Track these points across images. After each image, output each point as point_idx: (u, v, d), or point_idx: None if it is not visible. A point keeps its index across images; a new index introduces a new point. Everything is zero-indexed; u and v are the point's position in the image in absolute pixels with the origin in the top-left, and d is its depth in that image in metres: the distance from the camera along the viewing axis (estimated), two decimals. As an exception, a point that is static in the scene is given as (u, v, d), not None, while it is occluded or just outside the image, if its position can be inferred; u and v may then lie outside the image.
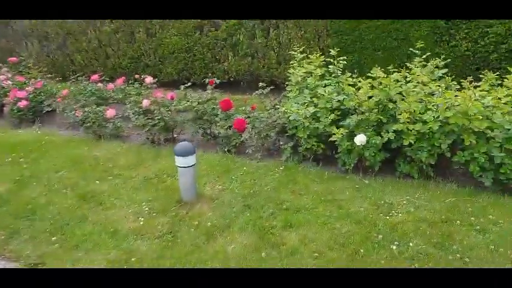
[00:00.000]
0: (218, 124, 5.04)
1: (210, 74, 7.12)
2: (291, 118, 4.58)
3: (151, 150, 5.23)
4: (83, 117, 5.62)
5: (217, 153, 5.03)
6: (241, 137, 4.90)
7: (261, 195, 4.09)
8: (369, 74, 4.56)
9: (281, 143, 4.90)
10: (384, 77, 4.37)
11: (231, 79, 7.17)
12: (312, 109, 4.47)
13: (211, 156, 4.96)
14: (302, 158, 4.73)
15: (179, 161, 3.92)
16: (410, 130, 4.10)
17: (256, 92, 5.66)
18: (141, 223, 3.83)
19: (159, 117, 5.22)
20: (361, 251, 3.25)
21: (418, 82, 4.50)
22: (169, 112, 5.26)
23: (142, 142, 5.50)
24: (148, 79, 6.22)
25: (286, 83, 5.37)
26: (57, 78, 7.29)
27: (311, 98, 4.76)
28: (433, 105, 4.13)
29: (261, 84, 5.57)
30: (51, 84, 6.95)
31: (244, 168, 4.62)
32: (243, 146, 5.04)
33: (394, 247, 3.24)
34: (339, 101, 4.55)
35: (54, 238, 3.70)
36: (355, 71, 4.59)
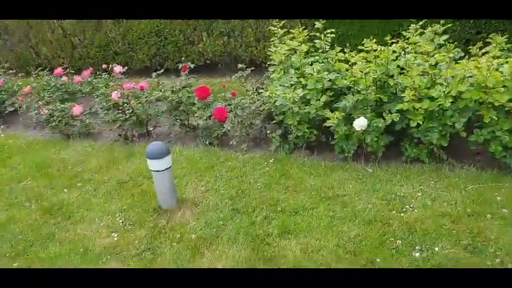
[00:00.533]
0: (196, 114, 4.24)
1: (184, 58, 6.23)
2: (277, 103, 3.81)
3: (125, 148, 4.41)
4: (48, 116, 4.75)
5: (198, 147, 4.25)
6: (223, 127, 4.12)
7: (251, 195, 3.35)
8: (361, 47, 3.80)
9: (268, 131, 4.13)
10: (380, 50, 3.61)
11: (208, 61, 6.31)
12: (300, 91, 3.70)
13: (192, 151, 4.18)
14: (293, 146, 3.99)
15: (152, 164, 3.15)
16: (417, 109, 3.37)
17: (236, 74, 4.87)
18: (115, 239, 3.09)
19: (130, 110, 4.38)
20: (377, 260, 2.56)
21: (417, 52, 3.77)
22: (141, 104, 4.42)
23: (115, 139, 4.66)
24: (118, 68, 5.34)
25: (268, 62, 4.58)
26: (21, 74, 6.33)
27: (298, 78, 3.98)
28: (439, 78, 3.40)
29: (240, 65, 4.78)
30: (12, 81, 5.99)
31: (229, 163, 3.85)
32: (226, 136, 4.27)
33: (417, 254, 2.55)
34: (330, 80, 3.79)
35: (16, 264, 2.95)
36: (347, 44, 3.81)
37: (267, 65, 4.68)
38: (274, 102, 3.87)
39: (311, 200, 3.17)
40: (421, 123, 3.37)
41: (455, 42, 3.90)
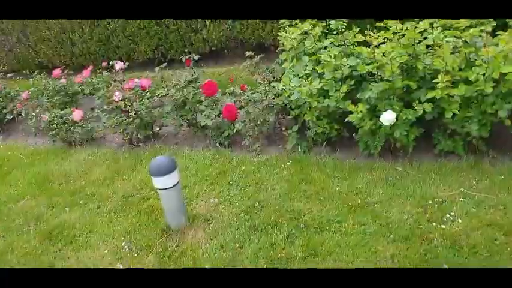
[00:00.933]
0: (204, 113, 3.81)
1: (188, 46, 5.79)
2: (292, 97, 3.36)
3: (130, 155, 4.02)
4: (46, 123, 4.38)
5: (207, 149, 3.84)
6: (234, 127, 3.69)
7: (269, 206, 2.95)
8: (379, 24, 3.30)
9: (283, 128, 3.68)
10: (406, 28, 3.10)
11: (213, 48, 5.83)
12: (317, 83, 3.24)
13: (201, 154, 3.77)
14: (312, 143, 3.55)
15: (158, 182, 2.76)
16: (452, 96, 2.89)
17: (244, 63, 4.42)
18: (122, 268, 2.73)
19: (133, 113, 3.98)
20: None
21: (444, 28, 3.25)
22: (144, 106, 4.02)
23: (120, 143, 4.28)
24: (118, 65, 4.92)
25: (279, 48, 4.11)
26: (20, 77, 5.95)
27: (312, 66, 3.51)
28: (477, 59, 2.90)
29: (247, 53, 4.32)
30: (11, 85, 5.61)
31: (243, 167, 3.44)
32: (238, 135, 3.84)
33: (469, 279, 2.13)
34: (350, 66, 3.30)
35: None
36: (369, 26, 3.29)
37: (277, 50, 4.23)
38: (289, 96, 3.42)
39: (337, 211, 2.76)
40: (457, 112, 2.90)
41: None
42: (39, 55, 6.63)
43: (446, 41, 3.13)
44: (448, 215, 2.54)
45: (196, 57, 4.40)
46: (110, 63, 4.98)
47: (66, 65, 6.26)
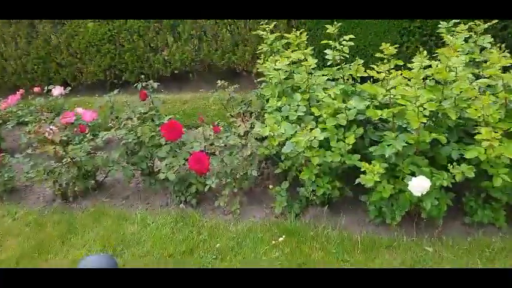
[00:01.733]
0: (164, 162, 2.87)
1: (146, 68, 4.85)
2: (284, 150, 2.50)
3: (62, 217, 2.94)
4: None
5: (168, 209, 2.89)
6: (205, 182, 2.77)
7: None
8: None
9: (270, 186, 2.80)
10: (436, 67, 2.35)
11: (176, 72, 4.91)
12: (319, 133, 2.40)
13: (160, 217, 2.80)
14: (306, 203, 2.71)
15: None
16: (498, 157, 2.15)
17: (215, 94, 3.56)
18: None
19: (67, 160, 2.98)
20: None
21: (467, 64, 2.56)
22: (84, 151, 3.03)
23: (50, 198, 3.21)
24: (57, 90, 3.92)
25: (258, 79, 3.28)
26: None
27: (305, 106, 2.69)
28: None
29: (219, 82, 3.46)
30: None
31: (218, 242, 2.51)
32: (210, 191, 2.91)
33: None
34: (358, 110, 2.51)
35: None
36: (381, 61, 2.50)
37: (255, 81, 3.42)
38: (279, 145, 2.57)
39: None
40: (507, 178, 2.16)
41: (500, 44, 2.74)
42: (-39, 72, 5.42)
43: (482, 84, 2.43)
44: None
45: (155, 85, 3.46)
46: (47, 87, 3.95)
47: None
